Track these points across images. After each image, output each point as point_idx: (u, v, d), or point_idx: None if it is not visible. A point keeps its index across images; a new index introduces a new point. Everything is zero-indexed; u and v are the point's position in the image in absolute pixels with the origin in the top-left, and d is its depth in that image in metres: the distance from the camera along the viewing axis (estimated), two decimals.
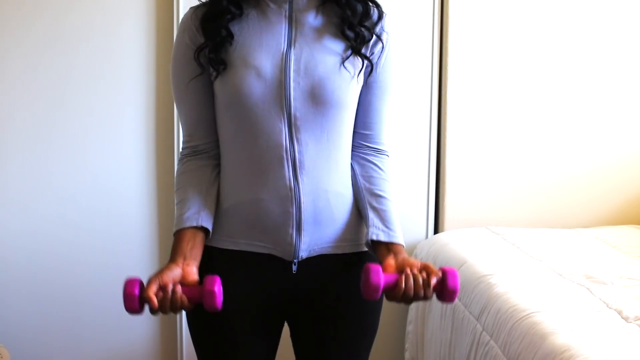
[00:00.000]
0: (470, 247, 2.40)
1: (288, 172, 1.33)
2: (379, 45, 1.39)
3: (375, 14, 1.39)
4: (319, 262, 1.39)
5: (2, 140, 2.47)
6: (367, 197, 1.40)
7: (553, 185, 2.75)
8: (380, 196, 1.40)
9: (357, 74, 1.36)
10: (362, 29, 1.36)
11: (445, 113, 2.64)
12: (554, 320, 1.71)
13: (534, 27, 2.67)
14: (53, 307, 2.55)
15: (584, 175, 2.76)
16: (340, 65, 1.34)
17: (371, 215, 1.38)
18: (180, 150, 1.45)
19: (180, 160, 1.44)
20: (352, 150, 1.43)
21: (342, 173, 1.40)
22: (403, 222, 2.62)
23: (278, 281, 1.39)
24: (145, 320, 2.61)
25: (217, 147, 1.41)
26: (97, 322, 2.58)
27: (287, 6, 1.35)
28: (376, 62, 1.39)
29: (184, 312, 1.32)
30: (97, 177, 2.51)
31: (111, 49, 2.48)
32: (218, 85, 1.35)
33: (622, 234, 2.58)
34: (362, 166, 1.43)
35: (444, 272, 1.22)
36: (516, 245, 2.41)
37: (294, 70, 1.32)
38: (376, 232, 1.35)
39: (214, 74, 1.34)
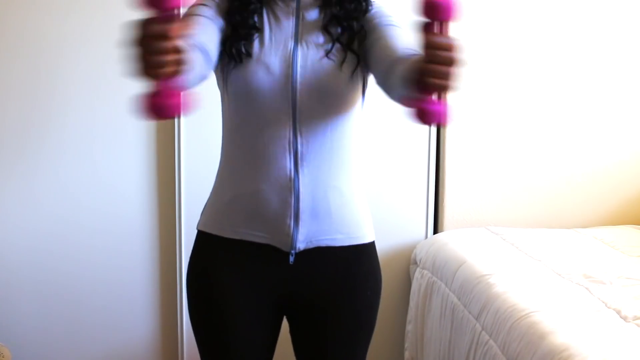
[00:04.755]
0: (469, 247, 2.40)
1: (289, 163, 1.37)
2: (361, 7, 1.40)
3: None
4: (316, 254, 1.42)
5: (3, 140, 2.47)
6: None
7: (552, 186, 2.75)
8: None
9: (354, 70, 1.38)
10: (355, 23, 1.39)
11: None
12: (553, 319, 1.72)
13: (534, 27, 2.67)
14: (54, 307, 2.55)
15: (583, 175, 2.76)
16: (342, 62, 1.37)
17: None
18: None
19: None
20: (395, 73, 1.24)
21: (344, 170, 1.42)
22: (402, 222, 2.68)
23: (276, 272, 1.42)
24: (146, 320, 2.61)
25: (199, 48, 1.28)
26: (98, 322, 2.58)
27: (294, 4, 1.40)
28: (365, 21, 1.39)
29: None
30: (98, 177, 2.52)
31: (112, 49, 2.48)
32: (233, 75, 1.37)
33: (621, 234, 2.58)
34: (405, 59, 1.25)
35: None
36: (515, 245, 2.41)
37: (300, 66, 1.36)
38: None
39: (232, 63, 1.36)
